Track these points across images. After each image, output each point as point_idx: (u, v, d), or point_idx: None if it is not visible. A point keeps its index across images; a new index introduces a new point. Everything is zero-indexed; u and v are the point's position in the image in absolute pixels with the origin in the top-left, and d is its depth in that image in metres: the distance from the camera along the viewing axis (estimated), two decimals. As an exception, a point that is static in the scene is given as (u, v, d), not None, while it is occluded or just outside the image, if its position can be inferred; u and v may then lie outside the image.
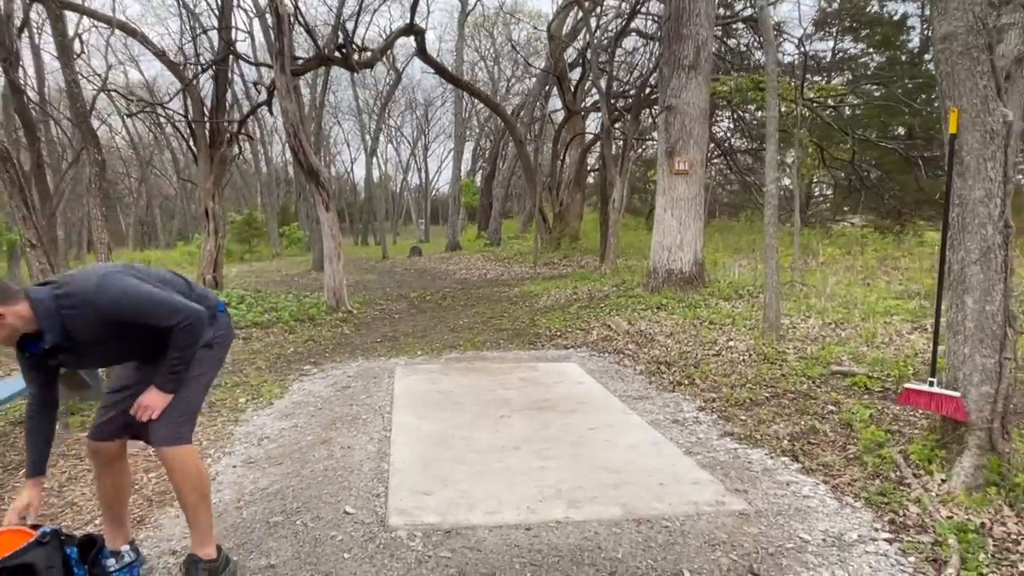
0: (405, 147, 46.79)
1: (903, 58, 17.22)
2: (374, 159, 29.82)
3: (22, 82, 9.57)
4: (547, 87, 21.82)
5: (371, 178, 30.07)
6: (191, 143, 10.76)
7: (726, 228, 17.96)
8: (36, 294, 2.18)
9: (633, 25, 15.07)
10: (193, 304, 2.38)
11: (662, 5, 15.93)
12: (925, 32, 17.36)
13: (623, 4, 14.43)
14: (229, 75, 11.95)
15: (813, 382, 4.62)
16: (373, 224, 41.09)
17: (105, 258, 5.46)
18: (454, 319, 8.58)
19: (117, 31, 11.65)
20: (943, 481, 2.98)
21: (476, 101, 28.30)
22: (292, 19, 9.66)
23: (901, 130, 17.23)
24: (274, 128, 36.08)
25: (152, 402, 2.37)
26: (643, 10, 14.73)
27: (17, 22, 9.70)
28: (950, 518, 2.69)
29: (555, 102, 25.82)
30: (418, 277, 14.88)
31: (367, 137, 27.18)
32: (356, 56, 10.61)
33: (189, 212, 40.00)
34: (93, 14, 9.63)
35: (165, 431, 2.38)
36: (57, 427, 4.57)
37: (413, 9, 10.97)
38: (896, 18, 17.20)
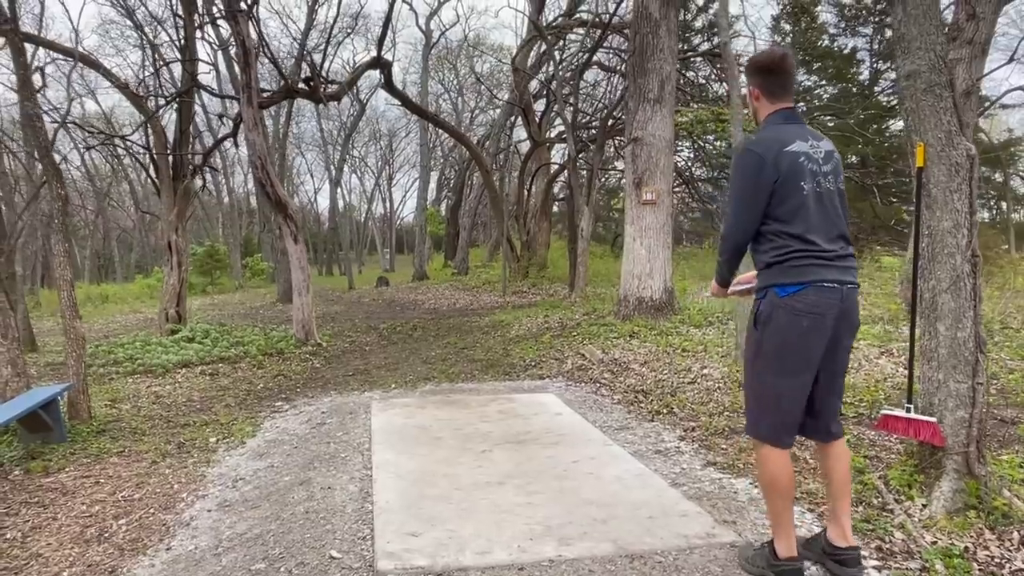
0: (369, 177, 46.77)
1: (854, 90, 17.88)
2: (338, 189, 29.70)
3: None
4: (512, 118, 22.10)
5: (335, 208, 29.90)
6: (154, 176, 10.58)
7: (690, 255, 18.26)
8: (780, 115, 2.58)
9: (594, 58, 15.41)
10: (742, 228, 2.48)
11: (621, 39, 16.37)
12: (874, 65, 18.09)
13: (586, 40, 14.74)
14: (192, 107, 11.83)
15: (789, 409, 4.67)
16: (338, 254, 40.79)
17: (67, 295, 5.30)
18: (426, 350, 8.51)
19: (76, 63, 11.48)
20: (924, 506, 3.03)
21: (440, 131, 28.50)
22: (258, 51, 9.64)
23: (854, 159, 17.83)
24: (236, 159, 35.75)
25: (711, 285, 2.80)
26: (604, 44, 15.09)
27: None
28: (935, 543, 2.73)
29: (519, 132, 26.15)
30: (386, 308, 14.76)
31: (331, 168, 27.09)
32: (323, 88, 10.60)
33: (148, 244, 39.20)
34: (56, 47, 9.47)
35: (747, 419, 2.59)
36: (18, 472, 4.40)
37: (380, 43, 11.04)
38: (846, 52, 17.90)
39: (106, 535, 3.38)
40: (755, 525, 2.98)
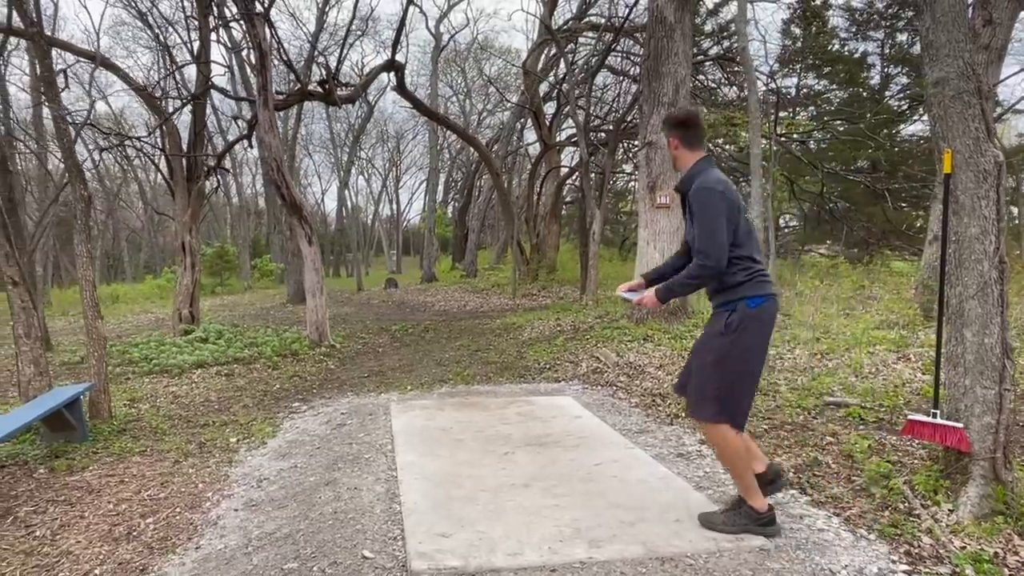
0: (376, 179, 46.86)
1: (864, 94, 17.85)
2: (345, 191, 29.82)
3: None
4: (522, 120, 22.14)
5: (342, 210, 29.98)
6: (168, 177, 10.64)
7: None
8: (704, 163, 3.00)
9: (605, 61, 15.43)
10: (723, 255, 2.79)
11: (632, 42, 16.38)
12: (885, 70, 18.06)
13: (598, 44, 14.76)
14: (206, 109, 11.89)
15: (808, 413, 4.69)
16: (346, 256, 40.86)
17: (90, 295, 5.35)
18: (439, 352, 8.54)
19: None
20: (951, 511, 3.04)
21: (448, 133, 28.58)
22: (275, 54, 9.69)
23: (864, 163, 17.78)
24: (244, 160, 35.90)
25: (646, 298, 3.04)
26: (616, 48, 15.12)
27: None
28: (963, 548, 2.74)
29: (528, 135, 26.20)
30: (396, 309, 14.80)
31: (340, 170, 27.17)
32: (337, 91, 10.66)
33: (156, 245, 39.36)
34: (78, 50, 9.55)
35: (696, 407, 2.93)
36: (42, 471, 4.44)
37: (395, 46, 11.08)
38: (857, 56, 17.87)
39: (134, 533, 3.41)
40: (782, 529, 2.99)
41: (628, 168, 21.66)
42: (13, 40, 13.45)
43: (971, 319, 3.11)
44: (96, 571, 3.04)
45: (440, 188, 37.31)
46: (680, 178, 3.08)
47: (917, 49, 16.29)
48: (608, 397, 5.71)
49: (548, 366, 7.10)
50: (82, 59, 10.62)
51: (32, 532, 3.50)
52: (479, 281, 19.61)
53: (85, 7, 19.89)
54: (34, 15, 5.15)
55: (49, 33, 16.01)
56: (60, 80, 6.43)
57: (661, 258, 8.54)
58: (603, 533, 2.93)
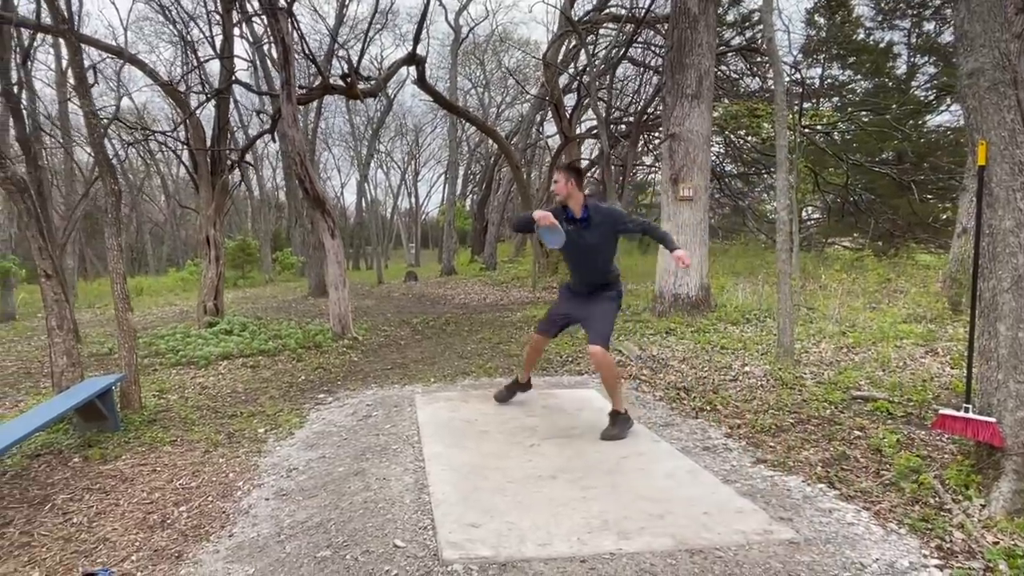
0: (395, 172, 46.96)
1: (890, 84, 17.57)
2: (364, 184, 29.95)
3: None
4: (541, 112, 22.07)
5: (361, 203, 30.11)
6: (192, 171, 10.76)
7: (721, 251, 18.10)
8: (593, 199, 4.36)
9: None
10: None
11: (653, 33, 16.26)
12: (912, 59, 17.76)
13: (620, 35, 14.67)
14: (229, 103, 11.98)
15: (835, 407, 4.66)
16: (365, 249, 41.06)
17: (120, 288, 5.44)
18: (461, 345, 8.57)
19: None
20: (983, 506, 3.02)
21: (467, 126, 28.57)
22: (298, 48, 9.75)
23: (888, 154, 17.52)
24: (264, 154, 36.17)
25: (684, 255, 4.05)
26: (637, 39, 15.01)
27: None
28: (996, 543, 2.72)
29: (547, 128, 26.12)
30: (417, 302, 14.87)
31: (360, 163, 27.29)
32: (360, 85, 10.70)
33: (179, 238, 39.84)
34: (105, 46, 9.70)
35: (601, 339, 4.23)
36: (77, 459, 4.54)
37: (416, 40, 11.10)
38: (883, 46, 17.59)
39: (168, 521, 3.48)
40: (811, 522, 2.99)
41: (648, 160, 21.54)
42: (39, 36, 13.65)
43: (1005, 313, 3.08)
44: (133, 557, 3.11)
45: (459, 181, 37.30)
46: (587, 209, 4.27)
47: (945, 38, 16.00)
48: (632, 391, 5.71)
49: (570, 359, 7.11)
50: (107, 55, 10.74)
51: (69, 519, 3.59)
52: (499, 274, 19.63)
53: (113, 3, 20.06)
54: (65, 12, 5.24)
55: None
56: (89, 76, 6.54)
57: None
58: (631, 525, 2.95)
